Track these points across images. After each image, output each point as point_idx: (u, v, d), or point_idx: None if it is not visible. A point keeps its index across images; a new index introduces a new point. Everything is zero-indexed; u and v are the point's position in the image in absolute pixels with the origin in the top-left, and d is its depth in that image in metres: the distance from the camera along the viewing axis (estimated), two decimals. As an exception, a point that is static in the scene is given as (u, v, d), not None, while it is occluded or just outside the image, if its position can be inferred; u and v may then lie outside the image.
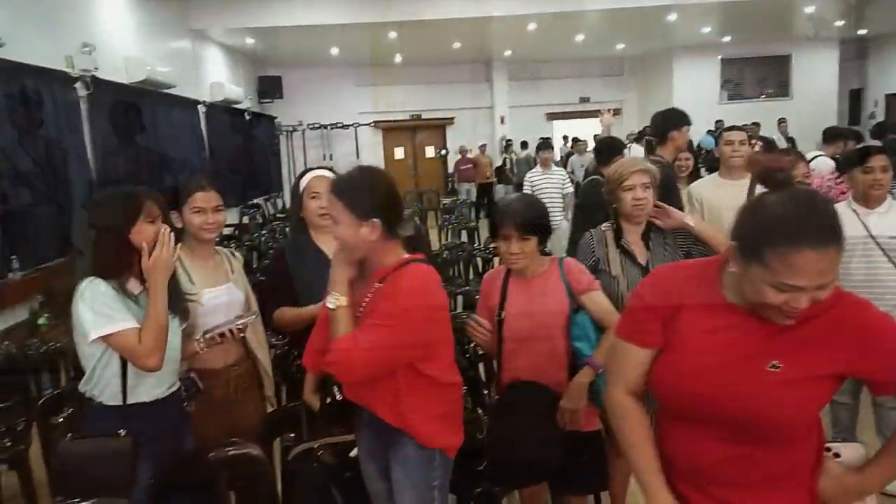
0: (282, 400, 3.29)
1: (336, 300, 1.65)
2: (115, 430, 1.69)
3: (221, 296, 2.17)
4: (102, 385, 1.76)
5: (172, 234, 1.81)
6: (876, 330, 1.21)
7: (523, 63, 13.99)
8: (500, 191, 13.02)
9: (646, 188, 2.30)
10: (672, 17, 10.09)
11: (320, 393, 1.86)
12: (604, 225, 2.43)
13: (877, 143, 5.97)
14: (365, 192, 1.65)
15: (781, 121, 11.65)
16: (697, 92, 13.29)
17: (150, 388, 1.80)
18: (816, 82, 13.41)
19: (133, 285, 1.80)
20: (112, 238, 1.74)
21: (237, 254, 2.41)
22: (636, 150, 10.06)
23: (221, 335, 1.98)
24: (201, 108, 8.78)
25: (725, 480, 1.28)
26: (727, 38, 12.79)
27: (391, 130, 14.43)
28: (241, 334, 2.08)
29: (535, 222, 2.03)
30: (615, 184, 2.35)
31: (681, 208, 2.57)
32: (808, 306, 1.12)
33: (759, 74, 13.93)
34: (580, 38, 11.57)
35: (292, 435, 2.13)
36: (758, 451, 1.24)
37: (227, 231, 8.14)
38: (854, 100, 13.84)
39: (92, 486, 1.62)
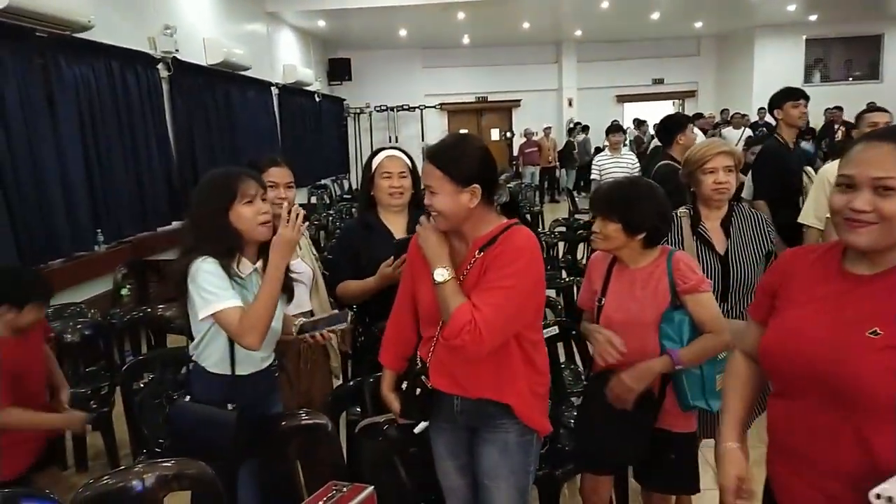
0: (347, 373, 3.37)
1: (443, 273, 1.59)
2: (221, 398, 1.78)
3: (293, 272, 2.21)
4: (208, 353, 1.82)
5: (302, 212, 1.79)
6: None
7: (594, 43, 13.63)
8: (563, 175, 12.84)
9: (728, 171, 2.20)
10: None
11: (398, 390, 1.81)
12: (680, 209, 2.30)
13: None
14: (463, 158, 1.61)
15: (870, 104, 10.90)
16: (780, 73, 12.53)
17: (254, 362, 1.85)
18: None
19: (244, 266, 1.80)
20: (211, 221, 1.75)
21: (304, 231, 2.44)
22: (730, 134, 9.66)
23: (312, 337, 1.95)
24: (274, 90, 9.00)
25: (822, 461, 1.21)
26: (813, 17, 12.05)
27: (457, 113, 14.39)
28: (330, 339, 2.03)
29: (618, 205, 1.88)
30: (695, 165, 2.24)
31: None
32: (867, 209, 1.12)
33: (848, 55, 13.08)
34: (655, 16, 11.16)
35: (358, 409, 2.15)
36: (855, 424, 1.16)
37: (296, 210, 8.34)
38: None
39: (196, 449, 1.69)
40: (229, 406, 1.76)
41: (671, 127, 4.18)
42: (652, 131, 11.30)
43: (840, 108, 10.65)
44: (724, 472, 1.34)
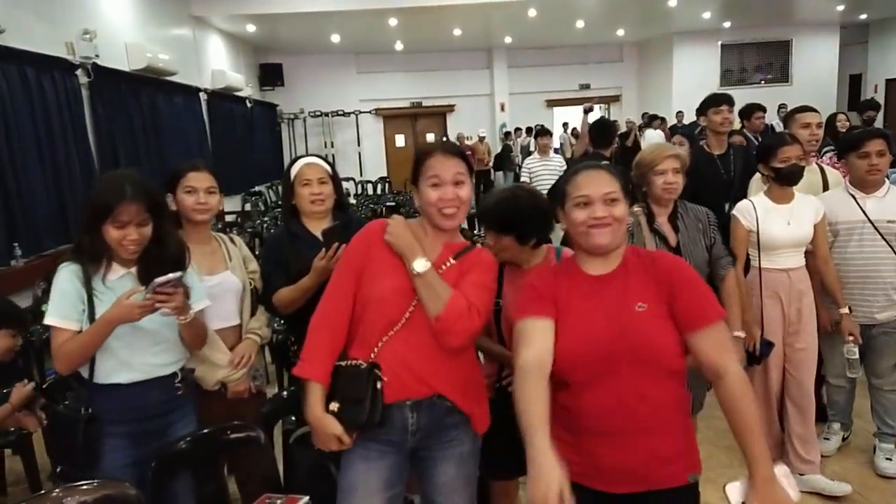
0: (283, 384, 3.35)
1: (424, 263, 1.59)
2: (87, 406, 1.78)
3: (220, 283, 2.17)
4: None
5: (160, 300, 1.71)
6: (682, 274, 1.53)
7: (523, 50, 13.93)
8: (500, 178, 13.06)
9: (676, 172, 2.39)
10: (672, 2, 10.04)
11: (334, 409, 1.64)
12: (635, 208, 2.46)
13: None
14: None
15: (781, 106, 11.64)
16: (697, 78, 13.26)
17: (126, 372, 1.81)
18: (816, 67, 13.37)
19: (115, 271, 1.80)
20: (84, 226, 1.78)
21: (237, 239, 2.40)
22: (653, 136, 10.08)
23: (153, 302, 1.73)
24: (203, 96, 8.78)
25: (626, 425, 1.44)
26: (727, 24, 12.73)
27: (392, 118, 14.41)
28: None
29: (509, 220, 1.96)
30: (647, 167, 2.43)
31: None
32: (604, 215, 1.47)
33: (760, 60, 13.88)
34: (580, 24, 11.52)
35: (293, 418, 2.16)
36: (641, 384, 1.43)
37: (229, 218, 8.18)
38: (854, 85, 13.80)
39: (59, 455, 1.69)
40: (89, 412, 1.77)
41: (604, 131, 4.50)
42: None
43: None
44: (545, 483, 1.30)
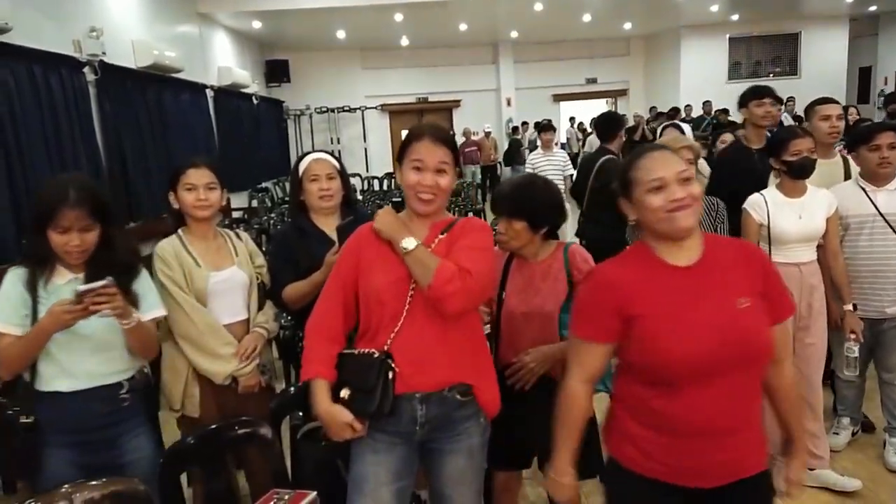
0: (290, 379, 3.36)
1: (411, 241, 1.59)
2: (29, 413, 1.76)
3: (227, 279, 2.19)
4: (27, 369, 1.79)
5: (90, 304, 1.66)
6: (770, 266, 1.52)
7: (529, 44, 13.88)
8: (508, 173, 13.05)
9: (689, 163, 2.39)
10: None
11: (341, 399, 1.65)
12: None
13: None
14: (455, 145, 1.76)
15: (789, 99, 11.56)
16: (705, 71, 13.20)
17: (66, 380, 1.78)
18: (825, 60, 13.25)
19: (61, 275, 1.78)
20: (30, 229, 1.76)
21: (243, 234, 2.40)
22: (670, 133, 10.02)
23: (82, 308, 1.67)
24: (209, 93, 8.80)
25: (719, 426, 1.41)
26: (735, 17, 12.64)
27: (398, 114, 14.40)
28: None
29: (523, 204, 1.98)
30: None
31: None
32: (683, 196, 1.39)
33: (768, 53, 13.77)
34: (587, 18, 11.46)
35: (301, 414, 2.16)
36: (741, 382, 1.41)
37: (236, 214, 8.20)
38: (864, 77, 13.69)
39: (5, 463, 1.70)
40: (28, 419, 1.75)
41: (610, 124, 4.46)
42: (588, 129, 11.70)
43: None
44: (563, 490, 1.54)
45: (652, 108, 12.76)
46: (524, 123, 13.36)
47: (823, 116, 3.07)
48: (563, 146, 12.53)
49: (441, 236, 1.67)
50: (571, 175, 6.42)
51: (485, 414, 1.72)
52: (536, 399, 1.91)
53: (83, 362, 1.78)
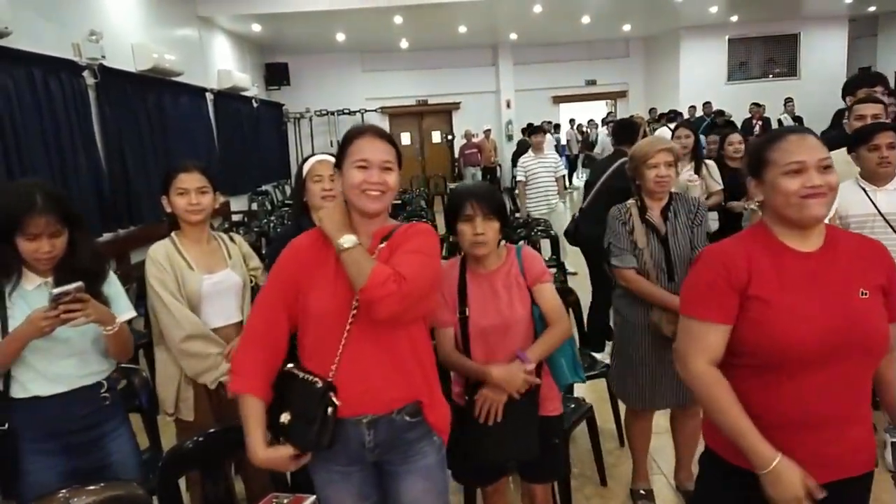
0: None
1: (351, 239, 1.48)
2: (3, 422, 1.73)
3: (220, 282, 2.20)
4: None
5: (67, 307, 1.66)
6: (893, 262, 1.46)
7: (529, 46, 13.89)
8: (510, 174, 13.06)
9: (669, 166, 2.45)
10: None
11: (277, 428, 1.54)
12: (629, 201, 2.56)
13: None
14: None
15: (788, 101, 11.60)
16: (704, 72, 13.21)
17: (45, 384, 1.77)
18: (825, 61, 13.23)
19: (29, 280, 1.77)
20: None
21: (237, 237, 2.42)
22: (663, 132, 10.03)
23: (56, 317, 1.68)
24: (209, 96, 8.81)
25: (831, 417, 1.40)
26: (734, 18, 12.65)
27: (397, 116, 14.40)
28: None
29: (498, 202, 1.92)
30: (640, 161, 2.48)
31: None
32: (821, 184, 1.35)
33: (767, 54, 13.78)
34: (586, 20, 11.48)
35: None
36: (854, 373, 1.39)
37: (236, 217, 8.20)
38: (863, 78, 13.68)
39: None
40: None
41: (627, 129, 4.52)
42: (605, 130, 11.74)
43: (759, 105, 11.27)
44: (790, 482, 1.33)
45: (652, 110, 12.76)
46: (530, 125, 13.27)
47: (859, 116, 3.06)
48: (563, 148, 12.56)
49: (382, 245, 1.57)
50: (563, 177, 6.47)
51: (437, 432, 1.65)
52: (521, 406, 1.88)
53: (61, 365, 1.78)
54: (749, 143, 3.36)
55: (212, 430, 1.86)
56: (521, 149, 12.64)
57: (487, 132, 13.07)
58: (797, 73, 13.60)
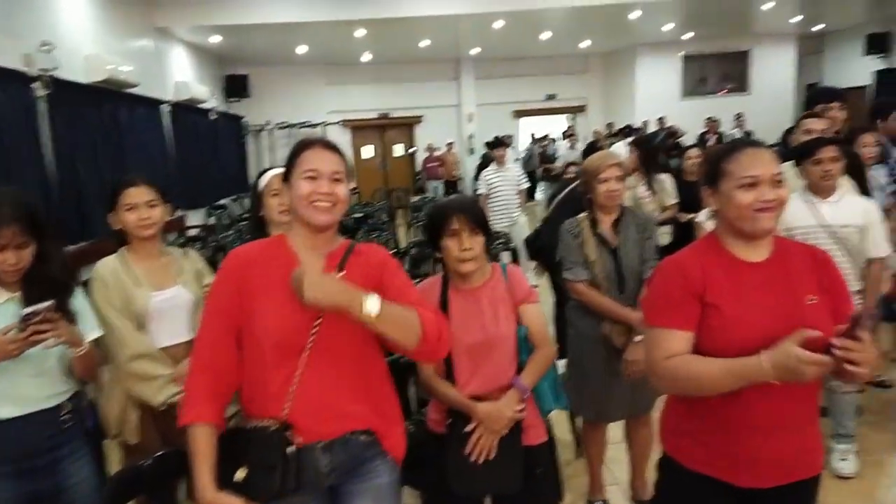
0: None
1: (373, 302, 1.38)
2: None
3: (170, 298, 2.14)
4: None
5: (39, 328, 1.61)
6: (839, 273, 1.53)
7: (491, 61, 14.05)
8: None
9: (619, 180, 2.51)
10: (634, 14, 10.25)
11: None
12: (581, 215, 2.62)
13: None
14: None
15: (738, 115, 12.02)
16: (660, 88, 13.57)
17: (3, 407, 1.71)
18: (774, 77, 13.74)
19: None
20: None
21: (192, 253, 2.37)
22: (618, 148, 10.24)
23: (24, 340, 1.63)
24: (165, 108, 8.65)
25: (778, 421, 1.43)
26: (688, 36, 13.04)
27: (360, 129, 14.38)
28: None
29: (482, 215, 1.88)
30: (591, 176, 2.54)
31: None
32: (773, 198, 1.40)
33: (720, 70, 14.23)
34: (546, 36, 11.68)
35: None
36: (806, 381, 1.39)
37: (193, 232, 8.05)
38: (809, 93, 14.21)
39: None
40: None
41: (594, 150, 4.66)
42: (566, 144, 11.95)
43: (714, 120, 11.65)
44: (785, 354, 1.31)
45: (609, 124, 13.02)
46: (496, 138, 13.35)
47: (806, 130, 3.20)
48: (524, 161, 12.70)
49: (339, 273, 1.49)
50: (525, 190, 6.55)
51: (392, 454, 1.60)
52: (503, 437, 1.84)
53: (23, 386, 1.72)
54: (706, 152, 3.47)
55: (160, 454, 1.81)
56: (485, 162, 12.81)
57: (450, 145, 13.14)
58: (747, 89, 14.06)
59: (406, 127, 14.79)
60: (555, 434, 2.59)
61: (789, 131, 5.71)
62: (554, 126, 14.87)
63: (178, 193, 8.13)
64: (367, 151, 14.65)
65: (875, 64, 11.96)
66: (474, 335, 1.86)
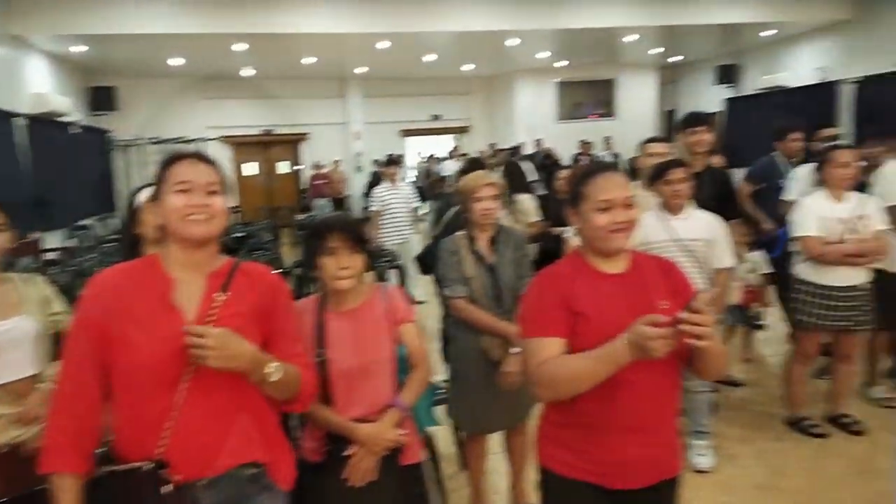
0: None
1: (274, 368, 1.40)
2: None
3: (9, 330, 1.97)
4: None
5: None
6: (682, 275, 1.68)
7: (378, 80, 14.13)
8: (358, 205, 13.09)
9: (494, 199, 2.60)
10: (511, 42, 10.73)
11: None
12: (458, 233, 2.69)
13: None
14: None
15: (607, 138, 13.01)
16: (537, 111, 14.33)
17: None
18: (638, 104, 14.89)
19: None
20: None
21: (37, 279, 2.19)
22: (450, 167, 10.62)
23: None
24: (20, 122, 7.92)
25: (649, 418, 1.55)
26: (562, 64, 13.83)
27: (242, 145, 13.90)
28: None
29: (362, 233, 1.86)
30: (467, 195, 2.62)
31: None
32: (626, 220, 1.54)
33: (591, 97, 15.21)
34: (431, 58, 11.93)
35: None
36: (667, 382, 1.57)
37: (51, 255, 7.38)
38: (669, 120, 15.53)
39: None
40: None
41: (477, 164, 4.78)
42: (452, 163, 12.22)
43: (587, 142, 12.51)
44: (638, 335, 1.36)
45: (492, 145, 13.50)
46: (389, 155, 13.40)
47: (650, 153, 3.54)
48: (413, 180, 12.87)
49: (222, 296, 1.42)
50: (417, 208, 6.63)
51: (280, 485, 1.54)
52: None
53: None
54: (570, 174, 3.73)
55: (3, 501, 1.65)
56: (375, 180, 12.82)
57: (337, 163, 13.02)
58: (613, 114, 15.12)
59: (291, 144, 14.48)
60: (438, 449, 2.65)
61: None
62: (440, 145, 15.18)
63: (33, 214, 7.46)
64: (250, 168, 14.18)
65: (725, 92, 13.28)
66: (351, 360, 1.83)
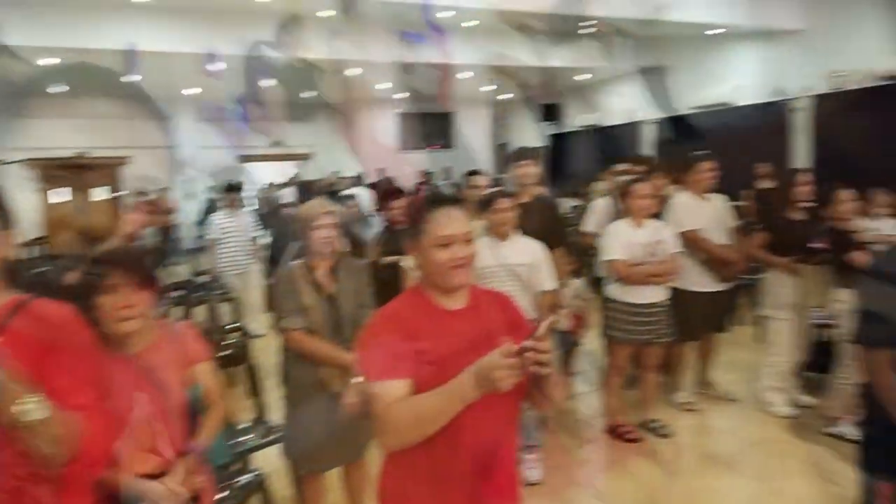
0: None
1: (35, 403, 1.17)
2: None
3: None
4: None
5: None
6: (518, 310, 1.72)
7: (212, 103, 13.47)
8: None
9: (332, 227, 2.58)
10: (351, 72, 10.82)
11: None
12: (296, 262, 2.62)
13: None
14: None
15: (447, 169, 13.56)
16: (380, 141, 14.51)
17: None
18: (475, 136, 15.72)
19: None
20: None
21: None
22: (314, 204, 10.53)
23: None
24: None
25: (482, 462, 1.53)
26: (401, 95, 14.20)
27: (49, 169, 12.44)
28: None
29: (148, 267, 1.73)
30: (306, 223, 2.57)
31: None
32: (465, 255, 1.53)
33: (431, 128, 15.77)
34: (271, 82, 11.63)
35: None
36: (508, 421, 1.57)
37: None
38: (500, 151, 16.56)
39: None
40: None
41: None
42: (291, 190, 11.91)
43: (429, 172, 12.93)
44: (484, 367, 1.34)
45: (335, 172, 13.44)
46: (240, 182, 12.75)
47: (473, 185, 3.87)
48: (256, 207, 12.35)
49: None
50: (257, 237, 6.40)
51: None
52: None
53: None
54: (408, 205, 3.84)
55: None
56: (211, 207, 12.13)
57: (164, 190, 12.16)
58: (454, 146, 15.78)
59: (110, 168, 13.24)
60: (271, 492, 2.52)
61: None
62: (281, 172, 14.81)
63: None
64: (59, 195, 12.72)
65: (549, 129, 14.42)
66: (140, 409, 1.68)
